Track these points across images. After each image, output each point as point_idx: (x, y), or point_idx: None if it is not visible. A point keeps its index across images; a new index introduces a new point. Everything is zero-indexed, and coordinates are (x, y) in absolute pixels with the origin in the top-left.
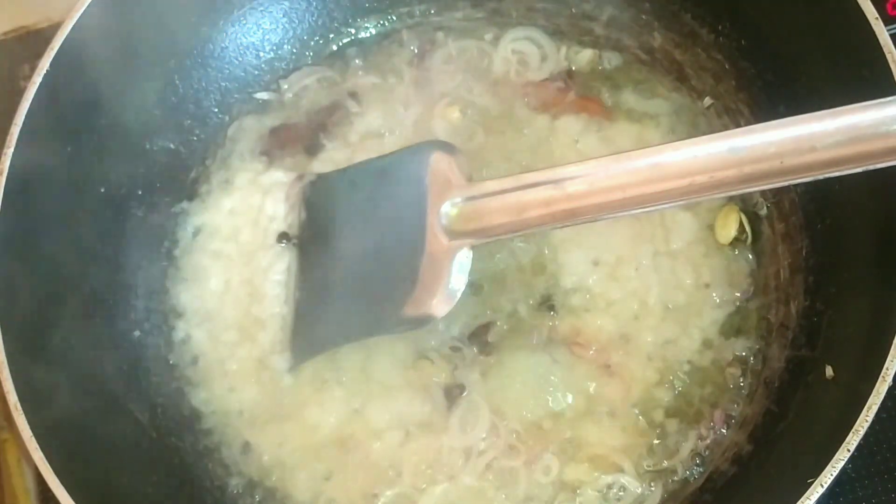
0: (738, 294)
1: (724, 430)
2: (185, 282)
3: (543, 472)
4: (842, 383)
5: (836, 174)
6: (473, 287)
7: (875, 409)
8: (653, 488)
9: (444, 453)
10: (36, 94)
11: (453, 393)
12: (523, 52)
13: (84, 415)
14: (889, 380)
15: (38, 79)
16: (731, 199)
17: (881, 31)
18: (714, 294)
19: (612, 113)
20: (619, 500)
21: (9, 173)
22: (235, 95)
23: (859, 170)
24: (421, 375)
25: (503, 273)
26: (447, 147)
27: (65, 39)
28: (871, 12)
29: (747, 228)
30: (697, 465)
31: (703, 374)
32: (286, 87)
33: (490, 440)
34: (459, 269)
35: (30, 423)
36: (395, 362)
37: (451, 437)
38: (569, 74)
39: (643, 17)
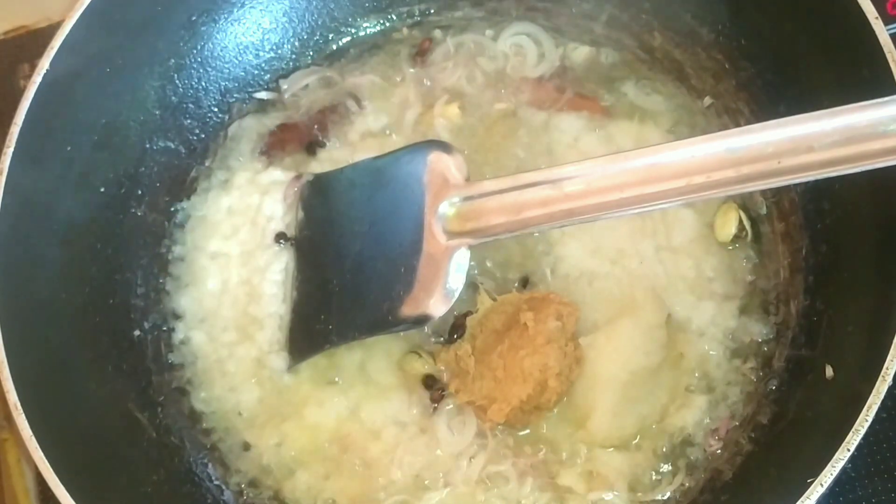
0: (738, 292)
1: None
2: (184, 281)
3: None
4: (842, 383)
5: (835, 174)
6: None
7: (875, 409)
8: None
9: (438, 457)
10: (36, 94)
11: (435, 395)
12: (521, 46)
13: (84, 415)
14: (889, 380)
15: (38, 79)
16: (730, 197)
17: (881, 31)
18: (715, 292)
19: (611, 112)
20: None
21: (8, 173)
22: (235, 95)
23: (857, 170)
24: (408, 372)
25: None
26: (445, 146)
27: (65, 39)
28: (871, 12)
29: (747, 227)
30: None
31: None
32: (286, 86)
33: (478, 444)
34: (457, 269)
35: (30, 423)
36: (391, 362)
37: (442, 440)
38: (566, 72)
39: (643, 16)
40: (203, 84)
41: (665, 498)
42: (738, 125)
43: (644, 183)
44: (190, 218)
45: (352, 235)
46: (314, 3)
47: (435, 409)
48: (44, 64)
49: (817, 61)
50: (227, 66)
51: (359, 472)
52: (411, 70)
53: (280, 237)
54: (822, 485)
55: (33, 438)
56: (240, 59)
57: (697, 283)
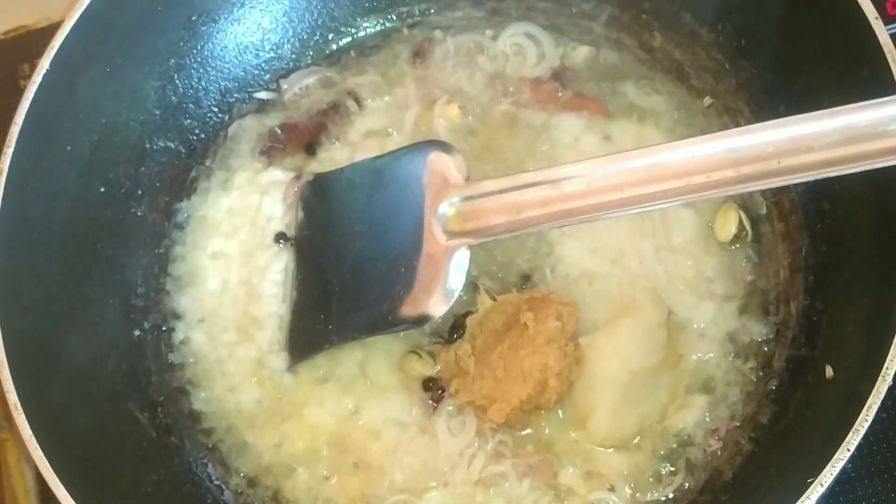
0: (738, 292)
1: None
2: (184, 281)
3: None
4: (842, 383)
5: (835, 174)
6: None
7: (875, 409)
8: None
9: (438, 457)
10: (36, 94)
11: (435, 395)
12: (521, 46)
13: (84, 415)
14: (889, 380)
15: (38, 78)
16: (730, 197)
17: (881, 31)
18: (715, 292)
19: (611, 112)
20: None
21: (8, 173)
22: (235, 95)
23: (857, 170)
24: (409, 373)
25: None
26: (445, 146)
27: (65, 39)
28: (871, 12)
29: (747, 227)
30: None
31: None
32: (286, 86)
33: (478, 444)
34: (457, 269)
35: (30, 423)
36: (391, 362)
37: (441, 440)
38: (566, 72)
39: (643, 16)
40: (203, 84)
41: (665, 498)
42: (738, 125)
43: (644, 183)
44: (190, 218)
45: (352, 235)
46: (314, 3)
47: (435, 409)
48: (44, 64)
49: (817, 61)
50: (227, 66)
51: (359, 473)
52: (411, 70)
53: (280, 237)
54: (822, 485)
55: (33, 438)
56: (240, 59)
57: (697, 283)
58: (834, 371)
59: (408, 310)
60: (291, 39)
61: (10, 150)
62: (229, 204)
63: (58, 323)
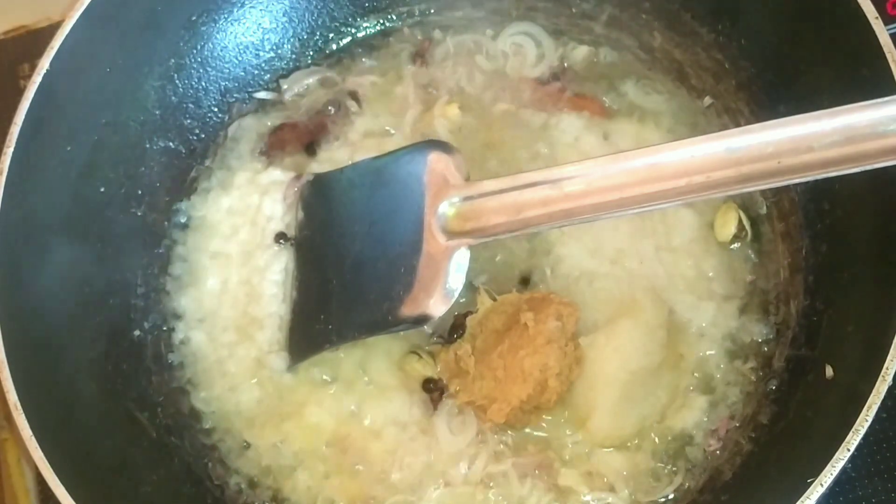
0: (738, 292)
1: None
2: (184, 281)
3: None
4: (842, 383)
5: (835, 174)
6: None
7: (875, 409)
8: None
9: (439, 457)
10: (36, 94)
11: (434, 396)
12: (521, 45)
13: (84, 415)
14: (889, 380)
15: (38, 78)
16: (730, 197)
17: (881, 31)
18: (715, 292)
19: (611, 112)
20: None
21: (8, 173)
22: (235, 95)
23: (857, 170)
24: (409, 373)
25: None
26: (445, 146)
27: (65, 39)
28: (871, 12)
29: (747, 227)
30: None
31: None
32: (286, 86)
33: (478, 444)
34: (457, 269)
35: (30, 422)
36: (391, 362)
37: (442, 440)
38: (566, 72)
39: (643, 16)
40: (203, 84)
41: (665, 498)
42: (738, 125)
43: (644, 183)
44: (190, 218)
45: (352, 235)
46: (314, 3)
47: (435, 409)
48: (44, 64)
49: (817, 61)
50: (227, 66)
51: (359, 472)
52: (411, 70)
53: (280, 237)
54: (822, 485)
55: (33, 438)
56: (240, 59)
57: (697, 283)
58: (834, 371)
59: (408, 310)
60: (291, 39)
61: (10, 150)
62: (229, 204)
63: (58, 323)
